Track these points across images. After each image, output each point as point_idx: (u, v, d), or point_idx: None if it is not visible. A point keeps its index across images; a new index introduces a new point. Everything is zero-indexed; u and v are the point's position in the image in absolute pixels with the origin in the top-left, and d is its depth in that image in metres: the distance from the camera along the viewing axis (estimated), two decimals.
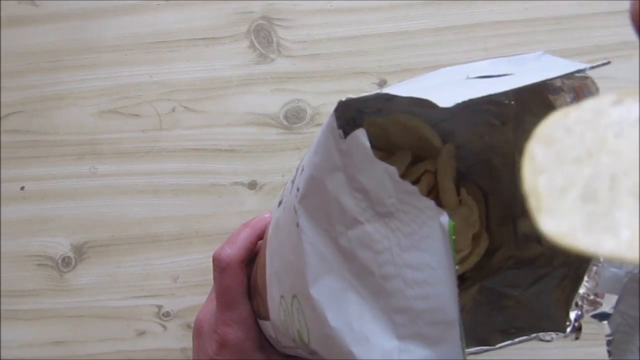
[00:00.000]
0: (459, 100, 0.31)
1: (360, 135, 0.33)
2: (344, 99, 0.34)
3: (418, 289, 0.33)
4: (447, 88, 0.36)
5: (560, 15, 0.71)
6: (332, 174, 0.35)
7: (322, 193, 0.36)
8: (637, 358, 0.39)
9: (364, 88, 0.72)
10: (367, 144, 0.33)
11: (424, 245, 0.33)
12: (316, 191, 0.36)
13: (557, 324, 0.40)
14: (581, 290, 0.40)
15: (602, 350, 0.64)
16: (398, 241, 0.34)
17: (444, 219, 0.32)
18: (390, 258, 0.34)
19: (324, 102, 0.72)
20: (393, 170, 0.33)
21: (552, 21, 0.71)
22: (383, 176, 0.33)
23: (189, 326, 0.71)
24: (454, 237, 0.31)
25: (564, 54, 0.69)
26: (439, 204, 0.34)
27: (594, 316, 0.40)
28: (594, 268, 0.40)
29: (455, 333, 0.32)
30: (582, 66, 0.35)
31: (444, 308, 0.32)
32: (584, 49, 0.71)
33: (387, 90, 0.35)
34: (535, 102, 0.45)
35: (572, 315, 0.40)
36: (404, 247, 0.33)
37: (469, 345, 0.34)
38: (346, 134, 0.34)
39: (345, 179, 0.35)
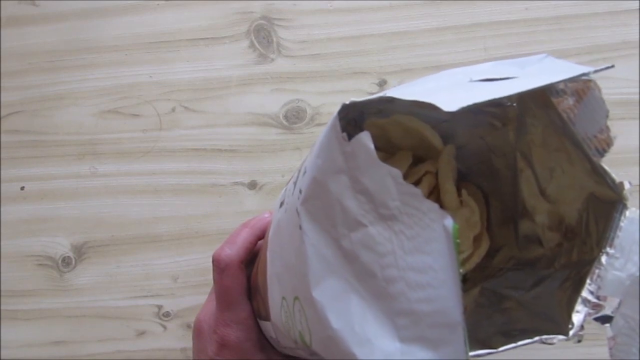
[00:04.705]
0: (464, 104, 0.31)
1: (365, 138, 0.33)
2: (347, 102, 0.34)
3: (421, 291, 0.33)
4: (451, 91, 0.36)
5: (560, 15, 0.71)
6: (336, 176, 0.35)
7: (325, 195, 0.36)
8: None
9: (364, 88, 0.72)
10: (372, 146, 0.33)
11: (427, 248, 0.33)
12: (319, 193, 0.36)
13: (559, 326, 0.40)
14: (583, 293, 0.40)
15: (602, 350, 0.64)
16: (401, 244, 0.34)
17: (448, 222, 0.32)
18: (393, 261, 0.34)
19: (324, 102, 0.72)
20: (397, 173, 0.33)
21: (552, 21, 0.71)
22: (387, 179, 0.33)
23: (189, 326, 0.71)
24: (458, 240, 0.31)
25: (564, 54, 0.69)
26: (440, 205, 0.34)
27: (596, 319, 0.40)
28: (597, 271, 0.40)
29: (459, 335, 0.32)
30: (586, 69, 0.35)
31: (448, 311, 0.32)
32: (584, 49, 0.71)
33: (390, 93, 0.35)
34: (537, 104, 0.45)
35: (575, 318, 0.40)
36: (408, 250, 0.33)
37: (471, 348, 0.34)
38: (348, 134, 0.34)
39: (348, 181, 0.35)
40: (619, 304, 0.39)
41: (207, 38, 0.73)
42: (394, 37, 0.72)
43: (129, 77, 0.73)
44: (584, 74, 0.35)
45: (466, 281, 0.52)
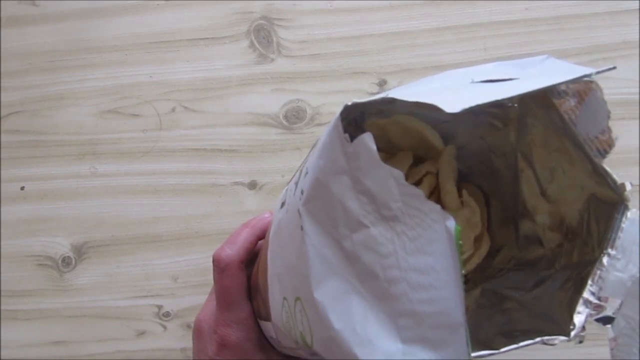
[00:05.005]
0: (466, 105, 0.31)
1: (367, 139, 0.33)
2: (349, 103, 0.34)
3: (423, 292, 0.33)
4: (453, 92, 0.36)
5: (560, 15, 0.71)
6: (337, 177, 0.35)
7: (326, 196, 0.36)
8: None
9: (364, 88, 0.72)
10: (374, 147, 0.33)
11: (429, 249, 0.33)
12: (321, 194, 0.36)
13: (560, 327, 0.40)
14: (585, 294, 0.40)
15: (602, 351, 0.65)
16: (403, 245, 0.34)
17: (450, 223, 0.32)
18: (395, 262, 0.34)
19: (324, 102, 0.72)
20: (399, 173, 0.33)
21: (552, 21, 0.71)
22: (389, 179, 0.33)
23: (189, 326, 0.71)
24: (460, 241, 0.31)
25: (564, 54, 0.69)
26: (441, 205, 0.35)
27: (597, 320, 0.40)
28: (598, 272, 0.40)
29: (460, 337, 0.32)
30: (587, 71, 0.35)
31: (450, 312, 0.32)
32: (584, 49, 0.71)
33: (392, 93, 0.35)
34: (539, 105, 0.45)
35: (576, 318, 0.40)
36: (409, 250, 0.33)
37: (472, 349, 0.34)
38: (349, 135, 0.34)
39: (350, 182, 0.35)
40: (620, 304, 0.39)
41: (207, 38, 0.73)
42: (394, 37, 0.72)
43: (129, 77, 0.73)
44: (585, 75, 0.35)
45: (467, 282, 0.52)
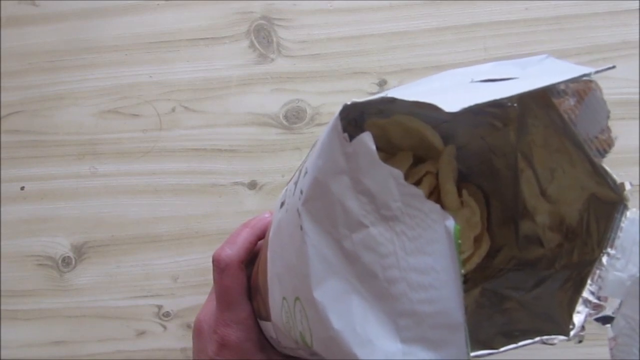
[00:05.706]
0: (465, 105, 0.31)
1: (366, 139, 0.33)
2: (349, 103, 0.34)
3: (423, 292, 0.33)
4: (452, 92, 0.36)
5: (560, 15, 0.71)
6: (337, 177, 0.35)
7: (326, 196, 0.36)
8: None
9: (364, 88, 0.72)
10: (373, 147, 0.33)
11: (429, 248, 0.33)
12: (320, 194, 0.36)
13: (560, 327, 0.40)
14: (584, 294, 0.40)
15: (602, 351, 0.64)
16: (403, 245, 0.34)
17: (450, 222, 0.32)
18: (395, 262, 0.34)
19: (324, 102, 0.72)
20: (398, 173, 0.33)
21: (552, 21, 0.71)
22: (388, 179, 0.33)
23: (189, 326, 0.71)
24: (459, 241, 0.31)
25: (564, 54, 0.69)
26: (441, 205, 0.34)
27: (597, 319, 0.40)
28: (597, 272, 0.40)
29: (460, 336, 0.32)
30: (587, 70, 0.35)
31: (449, 312, 0.32)
32: (584, 49, 0.71)
33: (392, 93, 0.35)
34: (538, 104, 0.45)
35: (576, 318, 0.40)
36: (409, 250, 0.33)
37: (472, 349, 0.34)
38: (349, 135, 0.34)
39: (350, 182, 0.35)
40: (620, 304, 0.39)
41: (207, 38, 0.73)
42: (394, 37, 0.72)
43: (129, 77, 0.73)
44: (585, 75, 0.35)
45: (467, 281, 0.52)
